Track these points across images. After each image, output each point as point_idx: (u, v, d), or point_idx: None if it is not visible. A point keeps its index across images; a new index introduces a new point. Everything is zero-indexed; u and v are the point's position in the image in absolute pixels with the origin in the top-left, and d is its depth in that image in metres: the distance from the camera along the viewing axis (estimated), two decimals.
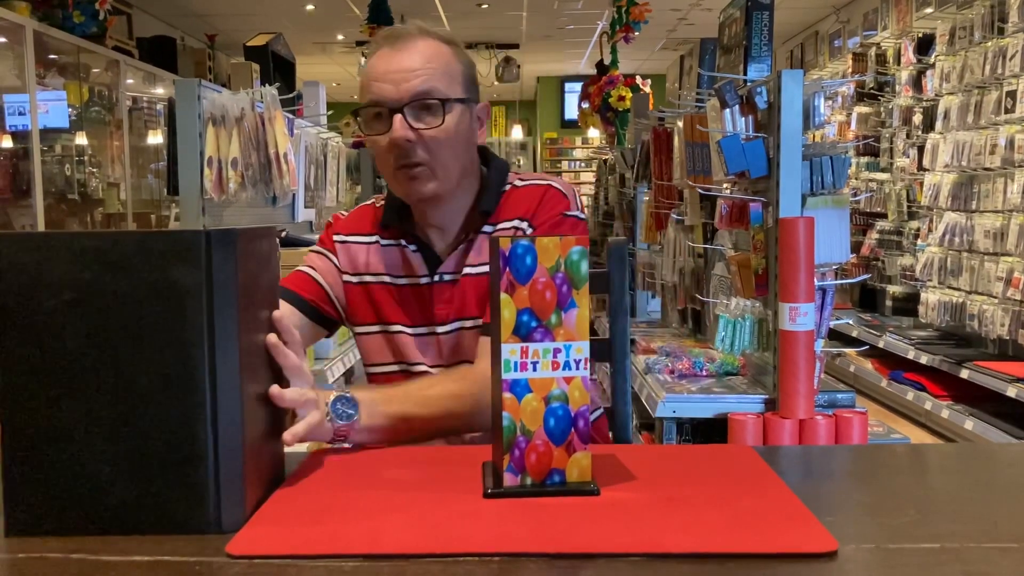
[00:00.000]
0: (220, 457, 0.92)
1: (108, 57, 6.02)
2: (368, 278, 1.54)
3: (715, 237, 2.86)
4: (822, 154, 2.31)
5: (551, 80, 14.55)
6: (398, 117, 1.39)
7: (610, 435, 1.57)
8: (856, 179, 6.74)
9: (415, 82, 1.40)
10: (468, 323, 1.48)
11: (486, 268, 1.47)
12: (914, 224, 5.95)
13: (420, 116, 1.41)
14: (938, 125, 5.41)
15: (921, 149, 5.70)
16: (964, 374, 4.57)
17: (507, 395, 1.00)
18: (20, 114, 4.93)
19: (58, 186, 5.47)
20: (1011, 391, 4.17)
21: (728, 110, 2.44)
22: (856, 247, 6.56)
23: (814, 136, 2.49)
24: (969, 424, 4.42)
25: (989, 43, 4.90)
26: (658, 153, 3.42)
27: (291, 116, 3.22)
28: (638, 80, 6.68)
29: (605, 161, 5.65)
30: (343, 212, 1.63)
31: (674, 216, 3.27)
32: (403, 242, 1.53)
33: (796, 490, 1.01)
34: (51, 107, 5.45)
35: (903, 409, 5.33)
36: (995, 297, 4.68)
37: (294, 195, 3.19)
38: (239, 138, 2.81)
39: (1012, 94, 4.63)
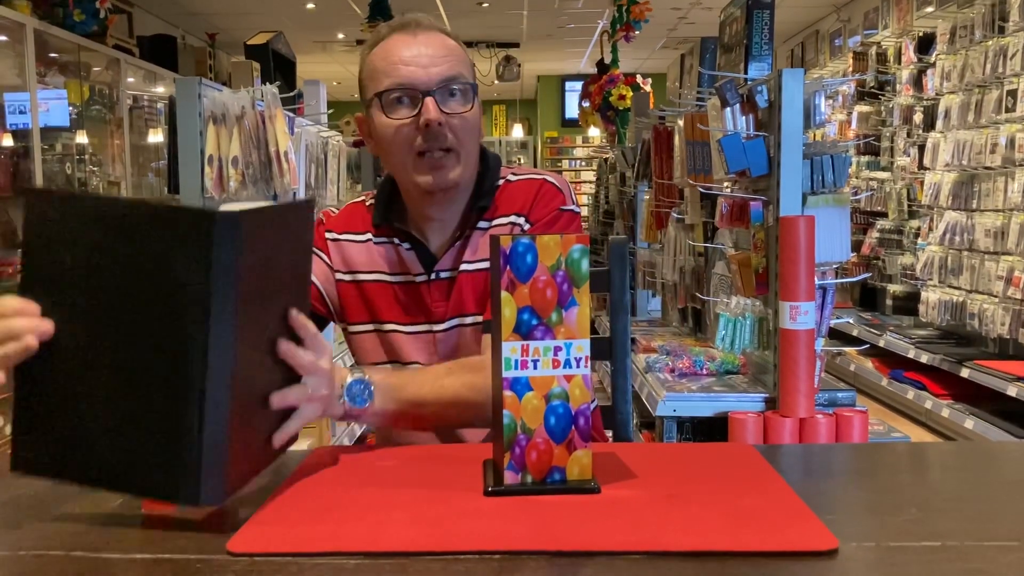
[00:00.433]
0: (205, 434, 0.92)
1: (109, 56, 6.01)
2: (362, 276, 1.52)
3: (715, 236, 2.86)
4: (823, 153, 2.31)
5: (552, 79, 14.55)
6: (430, 100, 1.38)
7: (608, 433, 1.56)
8: (856, 178, 6.74)
9: (444, 67, 1.40)
10: (467, 320, 1.47)
11: (484, 265, 1.46)
12: (914, 223, 5.95)
13: (447, 101, 1.40)
14: (939, 124, 5.41)
15: (922, 148, 5.69)
16: (964, 373, 4.57)
17: (508, 393, 1.00)
18: (21, 112, 4.93)
19: (59, 184, 5.47)
20: (1011, 390, 4.17)
21: (729, 109, 2.44)
22: (856, 246, 6.57)
23: (815, 135, 2.49)
24: (969, 423, 4.42)
25: (990, 42, 4.90)
26: (659, 152, 3.43)
27: (292, 115, 3.22)
28: (639, 79, 6.68)
29: (606, 160, 5.65)
30: (332, 210, 1.61)
31: (675, 215, 3.27)
32: (396, 240, 1.51)
33: (797, 488, 1.01)
34: (52, 106, 5.44)
35: (903, 408, 5.33)
36: (995, 296, 4.68)
37: (294, 194, 3.19)
38: (239, 137, 2.80)
39: (1013, 93, 4.63)
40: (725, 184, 2.65)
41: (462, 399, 1.32)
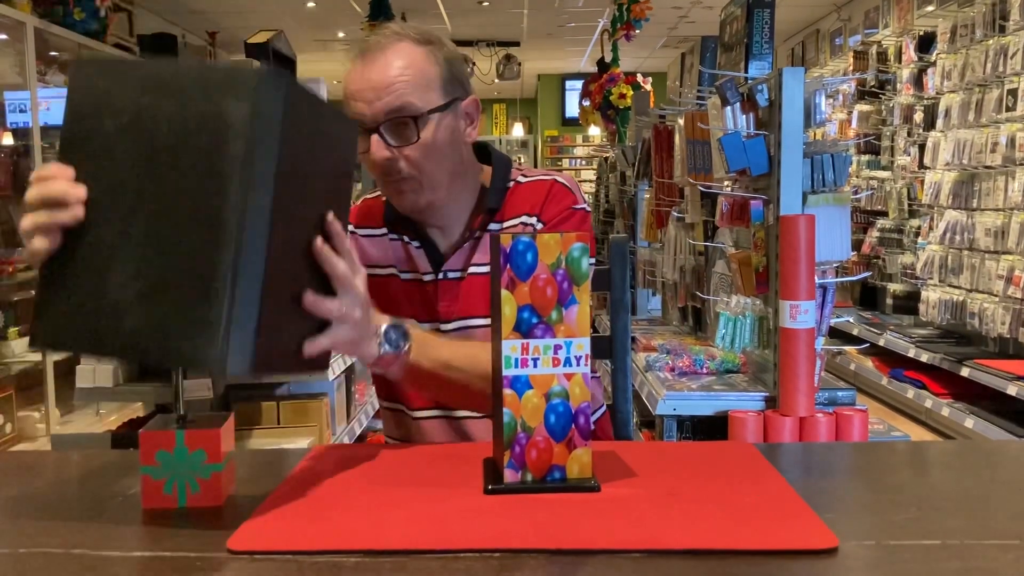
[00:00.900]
0: (236, 296, 0.91)
1: (109, 54, 6.02)
2: (378, 271, 1.52)
3: (716, 235, 2.86)
4: (823, 152, 2.31)
5: (552, 78, 14.55)
6: (374, 138, 1.36)
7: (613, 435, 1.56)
8: (857, 177, 6.74)
9: (388, 99, 1.35)
10: (475, 322, 1.47)
11: None
12: (915, 222, 5.95)
13: (397, 133, 1.37)
14: (939, 123, 5.41)
15: (922, 147, 5.69)
16: (964, 372, 4.57)
17: (508, 391, 1.00)
18: (21, 111, 4.93)
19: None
20: (1011, 389, 4.17)
21: (729, 108, 2.44)
22: (857, 245, 6.56)
23: (815, 134, 2.48)
24: (969, 422, 4.42)
25: (990, 41, 4.89)
26: (659, 151, 3.42)
27: None
28: (639, 78, 6.69)
29: (606, 159, 5.65)
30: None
31: (675, 214, 3.27)
32: (406, 238, 1.52)
33: (796, 487, 1.01)
34: (52, 104, 5.43)
35: (903, 407, 5.33)
36: (996, 295, 4.68)
37: None
38: None
39: (1013, 92, 4.63)
40: (725, 183, 2.65)
41: (489, 376, 1.32)
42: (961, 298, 5.03)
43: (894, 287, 6.13)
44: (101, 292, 0.93)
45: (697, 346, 2.97)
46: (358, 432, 3.69)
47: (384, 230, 1.54)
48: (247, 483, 1.06)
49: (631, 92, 6.23)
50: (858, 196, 6.33)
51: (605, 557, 0.83)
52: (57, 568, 0.83)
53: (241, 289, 0.91)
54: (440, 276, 1.49)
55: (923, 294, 5.46)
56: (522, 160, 15.50)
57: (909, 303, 5.82)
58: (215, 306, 0.90)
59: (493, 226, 1.49)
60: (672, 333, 3.46)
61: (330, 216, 1.08)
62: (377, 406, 2.20)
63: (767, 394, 2.35)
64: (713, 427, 2.38)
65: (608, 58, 6.71)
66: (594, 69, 7.03)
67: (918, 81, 5.94)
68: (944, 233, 5.21)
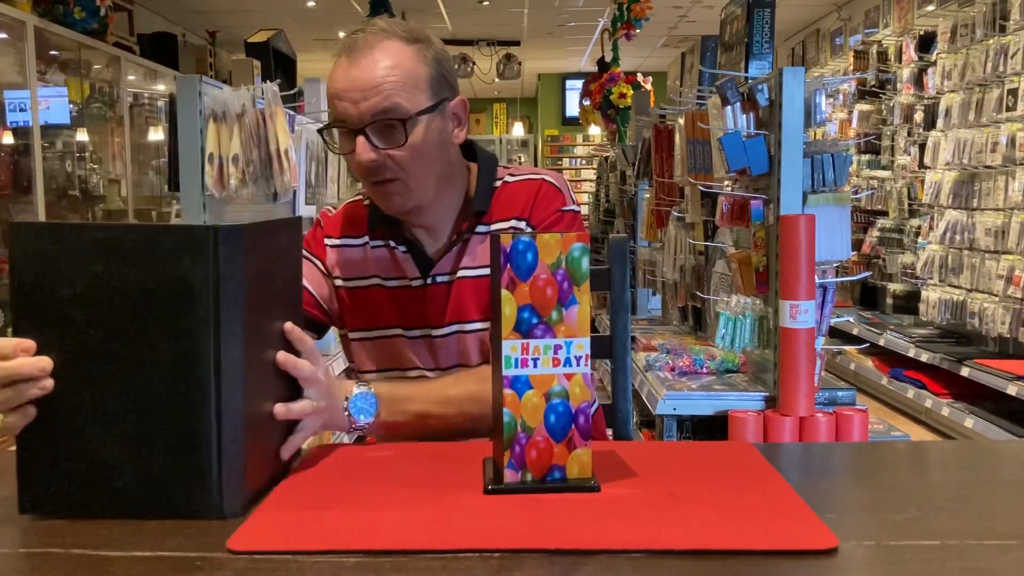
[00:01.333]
0: (223, 445, 0.94)
1: (109, 53, 6.01)
2: (361, 282, 1.50)
3: (716, 234, 2.86)
4: (823, 151, 2.31)
5: (552, 77, 14.54)
6: (360, 139, 1.33)
7: (608, 432, 1.56)
8: (857, 177, 6.74)
9: (375, 100, 1.31)
10: (467, 327, 1.45)
11: (484, 271, 1.43)
12: (915, 222, 5.95)
13: (384, 134, 1.33)
14: (939, 123, 5.41)
15: (922, 147, 5.69)
16: (964, 372, 4.57)
17: (508, 391, 1.00)
18: (21, 110, 4.92)
19: (59, 182, 5.46)
20: (1011, 389, 4.17)
21: (729, 107, 2.44)
22: (857, 245, 6.56)
23: (815, 133, 2.48)
24: (969, 422, 4.42)
25: (990, 41, 4.89)
26: (659, 150, 3.42)
27: (292, 113, 3.22)
28: (639, 77, 6.69)
29: (606, 158, 5.65)
30: (330, 209, 1.58)
31: (675, 213, 3.27)
32: (392, 243, 1.48)
33: (796, 487, 1.01)
34: (52, 103, 5.44)
35: (903, 407, 5.33)
36: (996, 295, 4.68)
37: (295, 192, 3.18)
38: (240, 134, 2.80)
39: (1013, 92, 4.62)
40: (725, 183, 2.65)
41: (465, 412, 1.33)
42: (961, 298, 5.03)
43: (894, 287, 6.13)
44: (87, 453, 0.94)
45: (697, 346, 2.97)
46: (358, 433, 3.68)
47: (366, 238, 1.51)
48: None
49: (631, 92, 6.22)
50: (858, 196, 6.33)
51: (605, 557, 0.83)
52: (57, 568, 0.83)
53: (226, 435, 0.94)
54: (429, 281, 1.47)
55: (923, 294, 5.46)
56: (523, 159, 15.50)
57: (909, 303, 5.82)
58: (204, 456, 0.93)
59: (481, 228, 1.46)
60: (672, 333, 3.46)
61: (288, 326, 1.10)
62: None
63: (767, 394, 2.35)
64: (713, 427, 2.38)
65: (608, 57, 6.71)
66: (594, 68, 7.03)
67: (918, 81, 5.94)
68: (944, 233, 5.20)
